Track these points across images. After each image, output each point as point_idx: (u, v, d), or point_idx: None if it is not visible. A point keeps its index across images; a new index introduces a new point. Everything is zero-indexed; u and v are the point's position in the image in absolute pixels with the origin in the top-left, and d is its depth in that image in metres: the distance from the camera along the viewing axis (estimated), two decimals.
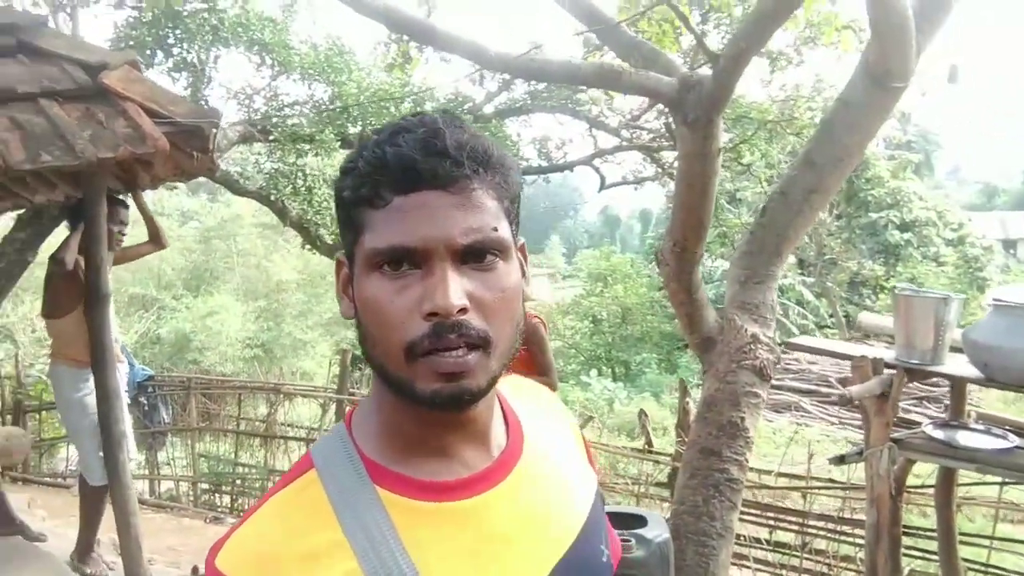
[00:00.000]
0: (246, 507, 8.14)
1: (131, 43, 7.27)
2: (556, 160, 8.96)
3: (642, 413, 8.55)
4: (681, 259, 3.89)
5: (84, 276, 3.85)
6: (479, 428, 0.86)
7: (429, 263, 0.76)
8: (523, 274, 0.87)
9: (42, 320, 4.60)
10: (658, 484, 6.47)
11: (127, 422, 4.34)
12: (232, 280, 21.78)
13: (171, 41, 7.42)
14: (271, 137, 7.92)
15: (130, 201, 4.45)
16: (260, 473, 8.06)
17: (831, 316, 20.23)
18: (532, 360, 3.96)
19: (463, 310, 0.76)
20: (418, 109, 8.51)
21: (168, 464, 8.77)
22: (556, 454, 0.95)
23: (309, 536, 0.76)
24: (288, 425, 8.37)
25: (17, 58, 3.23)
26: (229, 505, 8.29)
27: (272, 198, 8.33)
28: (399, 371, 0.78)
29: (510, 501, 0.85)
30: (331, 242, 8.81)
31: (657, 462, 6.64)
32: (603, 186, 9.34)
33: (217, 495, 8.58)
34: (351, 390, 7.73)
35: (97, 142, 3.03)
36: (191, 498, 8.44)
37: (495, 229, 0.79)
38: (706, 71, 3.15)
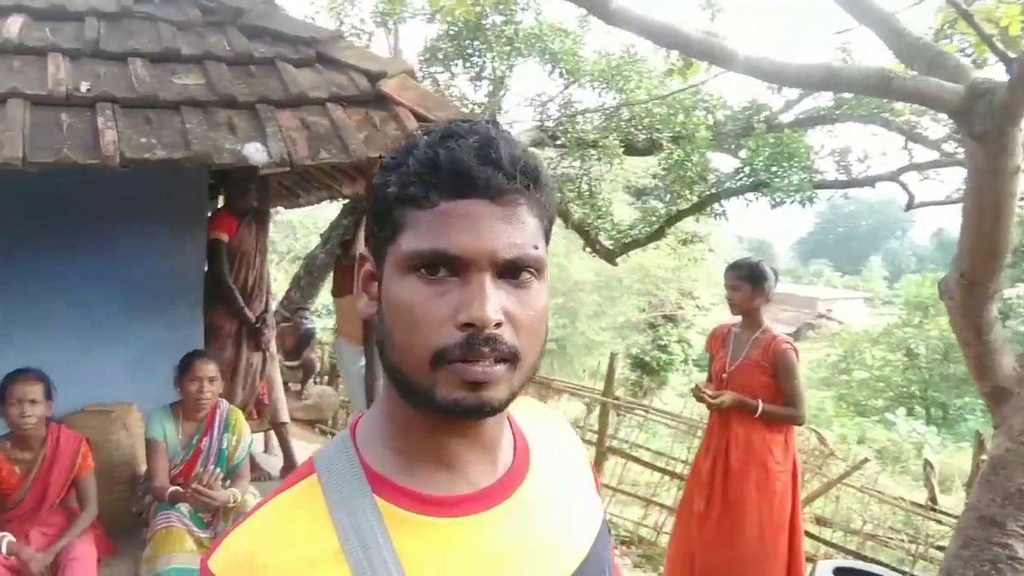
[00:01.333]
0: None
1: (438, 55, 7.99)
2: (857, 174, 8.20)
3: (927, 465, 7.50)
4: (969, 293, 3.36)
5: None
6: (487, 442, 0.84)
7: (468, 273, 0.75)
8: None
9: None
10: (940, 547, 5.65)
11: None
12: None
13: (471, 52, 8.00)
14: (558, 142, 8.22)
15: None
16: None
17: None
18: (778, 388, 3.66)
19: (498, 324, 0.74)
20: (709, 119, 8.28)
21: None
22: (562, 480, 0.93)
23: (304, 543, 0.76)
24: None
25: (314, 67, 3.68)
26: None
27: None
28: (420, 377, 0.76)
29: (510, 522, 0.83)
30: (610, 246, 8.92)
31: (940, 522, 5.80)
32: (911, 205, 8.34)
33: None
34: (616, 394, 7.75)
35: (369, 143, 3.35)
36: None
37: (536, 247, 0.78)
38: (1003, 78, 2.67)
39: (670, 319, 21.80)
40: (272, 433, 5.34)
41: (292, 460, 5.01)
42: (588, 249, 9.17)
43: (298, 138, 3.24)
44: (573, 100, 8.62)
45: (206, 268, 4.40)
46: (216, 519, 3.52)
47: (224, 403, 3.72)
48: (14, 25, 3.28)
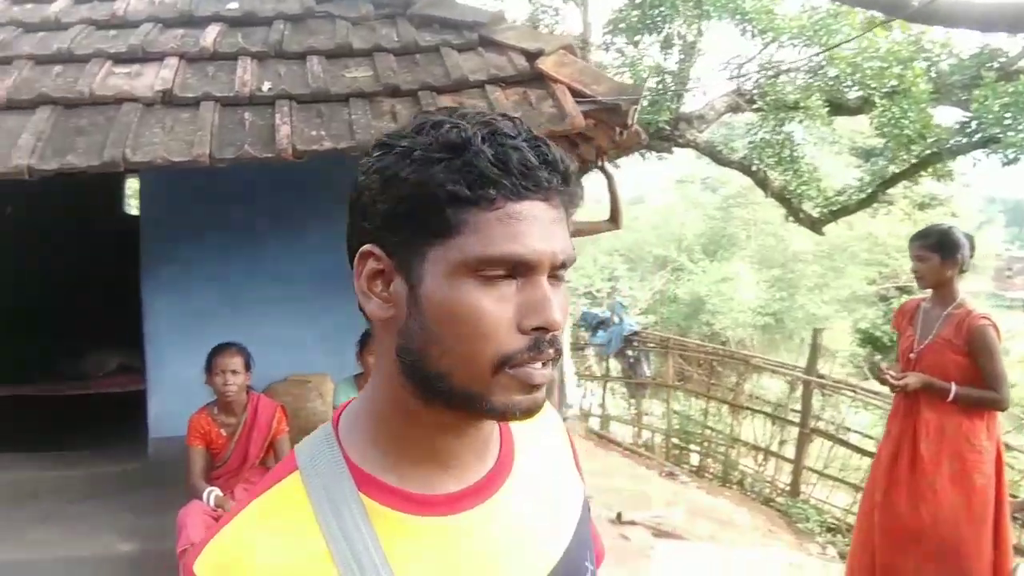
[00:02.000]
0: (711, 470, 8.32)
1: (622, 25, 7.81)
2: None
3: None
4: None
5: None
6: (482, 439, 0.85)
7: (532, 275, 0.74)
8: None
9: None
10: None
11: (564, 370, 4.83)
12: (748, 248, 21.96)
13: (658, 19, 7.72)
14: (755, 106, 7.77)
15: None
16: (724, 440, 8.14)
17: None
18: (975, 369, 3.27)
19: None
20: (932, 71, 7.46)
21: (647, 414, 9.38)
22: (546, 467, 0.93)
23: (291, 546, 0.75)
24: (756, 397, 8.28)
25: (476, 51, 3.77)
26: (696, 464, 8.52)
27: (753, 168, 8.18)
28: (475, 384, 0.74)
29: (498, 518, 0.83)
30: (816, 215, 8.32)
31: None
32: None
33: (685, 452, 8.91)
34: (820, 372, 7.27)
35: (524, 122, 3.40)
36: (664, 450, 8.88)
37: (573, 248, 0.79)
38: None
39: (904, 291, 20.02)
40: None
41: None
42: (791, 219, 8.63)
43: None
44: (774, 60, 8.11)
45: None
46: None
47: None
48: (211, 34, 3.67)
